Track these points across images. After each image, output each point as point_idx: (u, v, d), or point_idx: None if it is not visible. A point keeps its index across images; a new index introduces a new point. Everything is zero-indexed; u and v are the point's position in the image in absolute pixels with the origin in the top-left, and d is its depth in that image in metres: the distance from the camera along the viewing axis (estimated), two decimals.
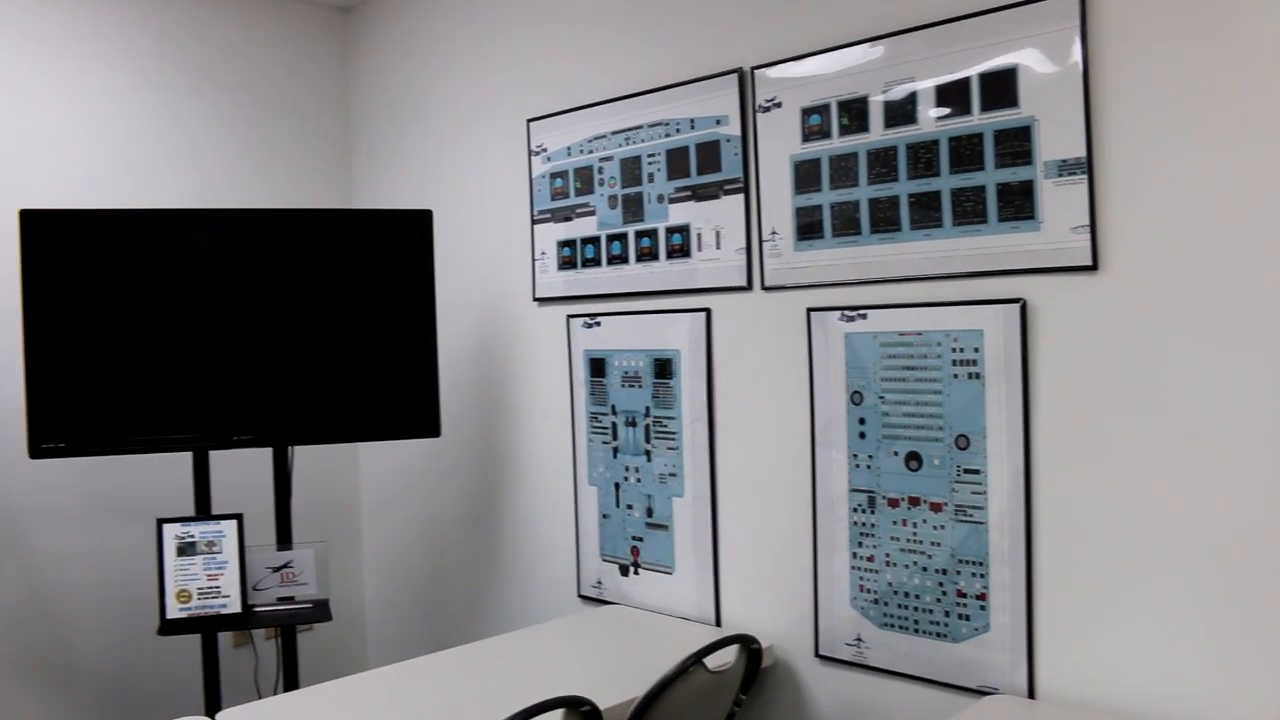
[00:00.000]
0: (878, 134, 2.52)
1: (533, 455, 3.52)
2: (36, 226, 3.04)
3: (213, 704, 3.22)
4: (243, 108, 4.05)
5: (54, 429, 3.04)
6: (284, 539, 3.31)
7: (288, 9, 4.15)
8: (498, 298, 3.61)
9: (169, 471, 3.82)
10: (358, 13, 4.24)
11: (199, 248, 3.16)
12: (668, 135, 3.00)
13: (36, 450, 3.03)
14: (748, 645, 2.64)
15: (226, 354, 3.16)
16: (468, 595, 3.84)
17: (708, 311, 2.93)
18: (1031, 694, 2.32)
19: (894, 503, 2.54)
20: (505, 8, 3.52)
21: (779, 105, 2.72)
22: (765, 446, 2.83)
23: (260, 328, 3.18)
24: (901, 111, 2.47)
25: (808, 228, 2.67)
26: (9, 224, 3.24)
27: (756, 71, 2.76)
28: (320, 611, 3.14)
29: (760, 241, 2.79)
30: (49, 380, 3.03)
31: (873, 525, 2.58)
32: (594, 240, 3.22)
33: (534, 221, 3.42)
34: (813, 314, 2.67)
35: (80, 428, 3.06)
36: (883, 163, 2.51)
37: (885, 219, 2.51)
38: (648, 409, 3.10)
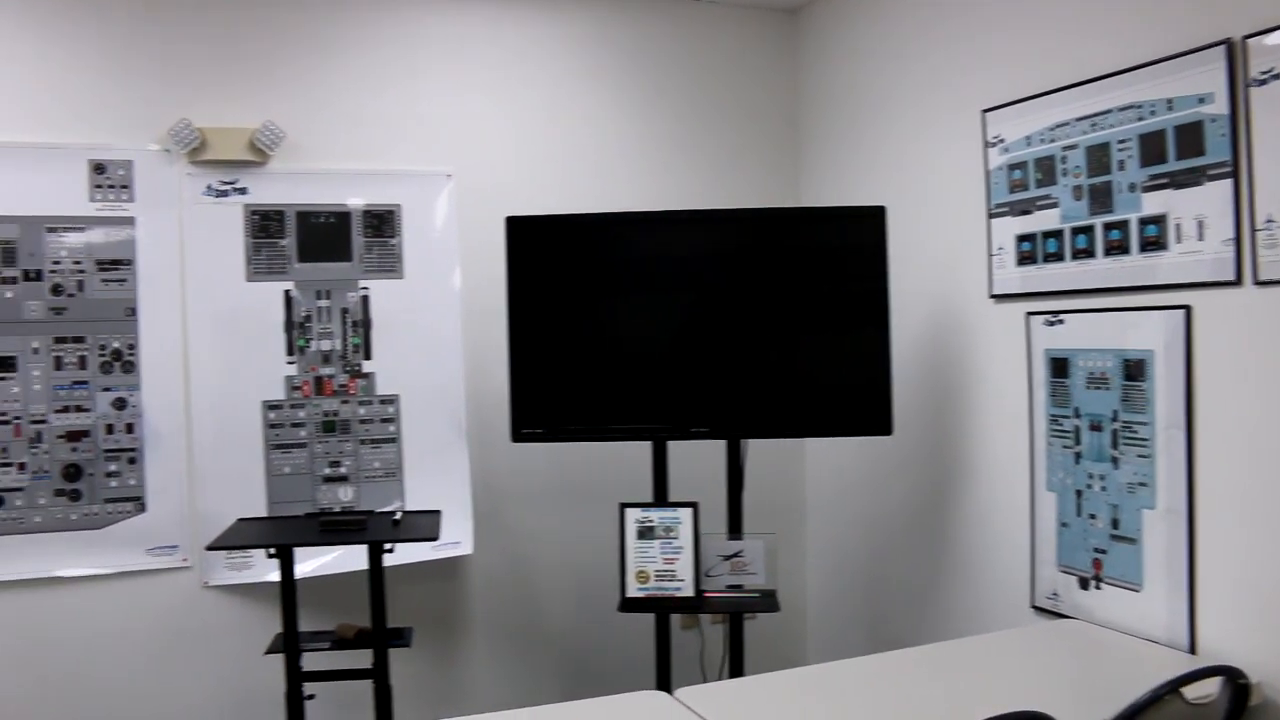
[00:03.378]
0: None
1: (986, 457, 3.40)
2: (520, 231, 3.34)
3: (663, 681, 3.39)
4: (697, 112, 4.22)
5: (533, 417, 3.33)
6: (735, 529, 3.42)
7: (738, 14, 4.27)
8: (951, 294, 3.52)
9: (627, 459, 4.05)
10: (804, 13, 4.30)
11: (660, 248, 3.34)
12: (1140, 119, 2.78)
13: (518, 435, 3.33)
14: (1233, 679, 2.39)
15: (686, 349, 3.31)
16: (912, 597, 3.78)
17: (1187, 309, 2.68)
18: None
19: None
20: None
21: (1278, 77, 2.43)
22: (1256, 458, 2.54)
23: (718, 324, 3.30)
24: None
25: None
26: (498, 229, 3.57)
27: (1249, 41, 2.49)
28: (768, 601, 3.22)
29: (1253, 231, 2.51)
30: (530, 372, 3.33)
31: None
32: (1056, 234, 3.04)
33: (990, 215, 3.30)
34: None
35: (556, 416, 3.33)
36: None
37: None
38: (1115, 413, 2.89)
